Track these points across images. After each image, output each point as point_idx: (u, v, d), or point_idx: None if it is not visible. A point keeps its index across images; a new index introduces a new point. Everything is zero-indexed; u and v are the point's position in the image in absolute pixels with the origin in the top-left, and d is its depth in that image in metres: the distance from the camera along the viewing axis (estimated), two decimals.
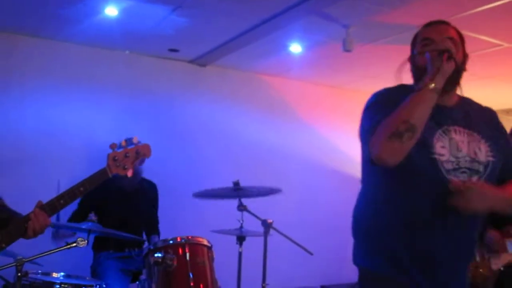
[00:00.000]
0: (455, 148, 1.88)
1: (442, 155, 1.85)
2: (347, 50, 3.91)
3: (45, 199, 2.22)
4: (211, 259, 3.37)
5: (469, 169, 1.87)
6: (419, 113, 1.76)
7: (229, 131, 5.36)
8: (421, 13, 3.60)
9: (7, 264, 2.24)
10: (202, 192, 3.70)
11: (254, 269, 3.80)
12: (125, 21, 4.08)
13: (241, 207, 3.66)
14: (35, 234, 2.19)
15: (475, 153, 1.90)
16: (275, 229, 3.60)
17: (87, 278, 3.54)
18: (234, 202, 3.74)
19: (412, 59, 2.00)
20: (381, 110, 1.86)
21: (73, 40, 4.63)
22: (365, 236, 2.01)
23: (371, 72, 5.04)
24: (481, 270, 3.14)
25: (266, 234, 3.57)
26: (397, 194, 1.89)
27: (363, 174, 2.05)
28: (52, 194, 2.25)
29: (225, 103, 5.41)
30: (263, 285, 3.58)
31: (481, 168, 1.89)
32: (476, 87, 5.47)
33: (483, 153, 1.91)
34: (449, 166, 1.85)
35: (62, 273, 3.31)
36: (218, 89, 5.41)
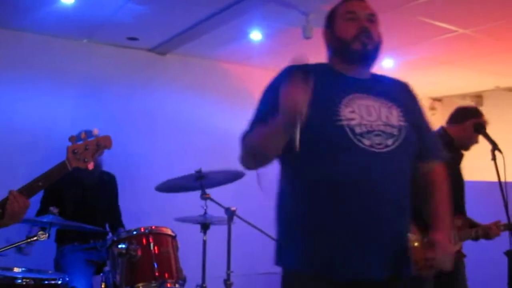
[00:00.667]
0: (365, 112, 1.84)
1: (352, 119, 1.81)
2: (307, 37, 3.93)
3: (4, 193, 2.16)
4: (176, 249, 3.39)
5: (383, 132, 1.83)
6: (275, 147, 1.80)
7: (190, 119, 5.33)
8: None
9: None
10: (165, 184, 3.67)
11: (219, 257, 3.81)
12: (82, 9, 4.00)
13: (205, 196, 3.66)
14: (12, 218, 2.11)
15: (387, 117, 1.87)
16: (238, 216, 3.62)
17: (50, 271, 3.50)
18: (197, 193, 3.74)
19: (330, 32, 1.99)
20: (269, 97, 1.94)
21: (29, 29, 4.51)
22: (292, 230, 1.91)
23: None
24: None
25: (229, 221, 3.59)
26: (314, 173, 1.82)
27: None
28: (13, 188, 2.19)
29: (186, 91, 5.37)
30: (228, 272, 3.61)
31: (395, 132, 1.85)
32: (434, 73, 5.60)
33: (395, 117, 1.89)
34: (362, 129, 1.80)
35: (23, 268, 3.27)
36: (179, 77, 5.37)
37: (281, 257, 1.95)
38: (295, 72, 1.66)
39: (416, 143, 1.92)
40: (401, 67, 5.08)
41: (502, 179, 3.14)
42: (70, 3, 3.84)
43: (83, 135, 2.28)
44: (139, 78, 5.14)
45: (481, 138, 3.40)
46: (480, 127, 3.39)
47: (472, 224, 3.34)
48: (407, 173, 1.89)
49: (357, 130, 1.80)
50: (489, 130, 3.37)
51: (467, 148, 3.46)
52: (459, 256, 3.25)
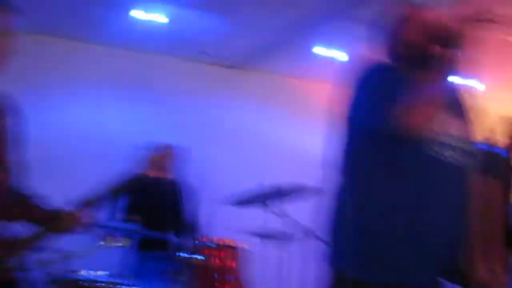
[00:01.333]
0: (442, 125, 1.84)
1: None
2: None
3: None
4: (248, 263, 3.40)
5: (456, 147, 1.84)
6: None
7: (264, 134, 5.40)
8: None
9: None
10: (241, 199, 3.71)
11: (295, 274, 3.79)
12: (172, 26, 4.18)
13: (280, 212, 3.67)
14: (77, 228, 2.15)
15: (453, 129, 1.87)
16: (314, 234, 3.60)
17: (130, 277, 3.62)
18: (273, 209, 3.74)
19: (399, 37, 1.94)
20: (396, 87, 1.78)
21: (124, 46, 4.78)
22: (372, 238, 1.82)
23: None
24: None
25: (305, 239, 3.57)
26: (399, 186, 1.80)
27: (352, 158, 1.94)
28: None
29: (261, 107, 5.44)
30: None
31: (464, 146, 1.86)
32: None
33: (463, 130, 1.90)
34: (439, 140, 1.82)
35: (106, 272, 3.40)
36: (251, 92, 5.45)
37: (350, 264, 1.85)
38: None
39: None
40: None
41: None
42: (164, 22, 4.01)
43: (160, 147, 2.35)
44: (210, 92, 5.27)
45: None
46: None
47: None
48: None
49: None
50: None
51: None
52: None
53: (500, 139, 2.55)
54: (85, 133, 4.65)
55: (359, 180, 1.90)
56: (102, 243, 3.09)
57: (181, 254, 3.47)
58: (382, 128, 1.75)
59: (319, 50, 4.58)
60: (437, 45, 1.85)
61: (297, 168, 5.33)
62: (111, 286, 3.14)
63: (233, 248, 3.38)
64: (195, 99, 5.19)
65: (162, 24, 4.05)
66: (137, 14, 3.97)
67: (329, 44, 4.44)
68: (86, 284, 3.09)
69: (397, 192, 1.80)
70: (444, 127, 1.84)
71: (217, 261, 3.27)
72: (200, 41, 4.55)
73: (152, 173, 2.38)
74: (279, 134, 5.48)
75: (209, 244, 3.36)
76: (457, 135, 1.87)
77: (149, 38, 4.50)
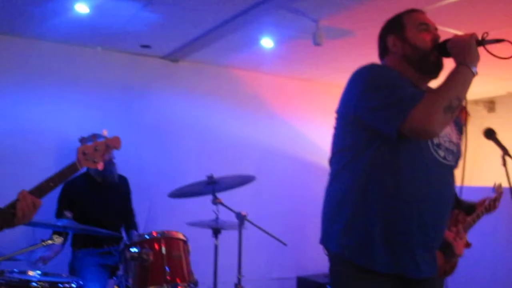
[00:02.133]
0: None
1: None
2: (317, 44, 3.97)
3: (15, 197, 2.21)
4: (187, 253, 3.42)
5: (447, 148, 1.99)
6: (465, 92, 1.89)
7: (202, 126, 5.38)
8: (389, 7, 3.67)
9: None
10: (177, 191, 3.74)
11: (230, 261, 3.86)
12: (97, 18, 4.08)
13: (216, 201, 3.71)
14: (24, 217, 2.14)
15: (450, 134, 2.02)
16: (249, 221, 3.66)
17: (64, 275, 3.55)
18: (209, 198, 3.78)
19: (402, 39, 2.05)
20: (396, 84, 1.91)
21: (43, 38, 4.60)
22: (359, 223, 1.95)
23: (343, 66, 5.11)
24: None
25: (240, 226, 3.62)
26: (400, 171, 1.91)
27: (348, 150, 2.02)
28: None
29: (198, 98, 5.43)
30: (239, 276, 3.64)
31: (455, 149, 2.03)
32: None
33: (454, 134, 2.05)
34: (435, 140, 1.96)
35: (38, 271, 3.32)
36: (191, 84, 5.43)
37: (338, 246, 2.01)
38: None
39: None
40: None
41: None
42: (85, 12, 3.91)
43: (92, 137, 2.33)
44: (152, 85, 5.21)
45: (492, 143, 3.40)
46: (490, 133, 3.39)
47: (468, 209, 3.38)
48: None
49: (434, 140, 1.95)
50: (501, 135, 3.38)
51: None
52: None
53: None
54: (13, 129, 4.48)
55: (359, 171, 1.97)
56: (48, 241, 3.01)
57: (118, 248, 3.44)
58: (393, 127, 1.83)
59: (264, 41, 4.58)
60: (437, 53, 2.00)
61: (238, 159, 5.39)
62: (47, 285, 3.08)
63: (170, 239, 3.37)
64: (135, 92, 5.11)
65: (85, 15, 3.94)
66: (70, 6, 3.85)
67: (274, 35, 4.45)
68: (36, 285, 3.02)
69: (395, 184, 1.91)
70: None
71: (155, 252, 3.24)
72: (138, 33, 4.47)
73: (86, 164, 2.32)
74: (225, 126, 5.50)
75: (146, 236, 3.33)
76: (449, 136, 2.01)
77: (77, 29, 4.38)
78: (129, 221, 4.26)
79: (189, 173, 3.97)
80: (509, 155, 3.25)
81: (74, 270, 3.91)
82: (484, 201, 3.34)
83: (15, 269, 3.22)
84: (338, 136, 2.09)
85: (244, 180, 3.81)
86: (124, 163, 4.24)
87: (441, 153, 1.95)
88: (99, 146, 2.33)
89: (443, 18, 3.90)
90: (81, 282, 3.32)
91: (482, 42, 1.93)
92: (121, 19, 4.12)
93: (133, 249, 3.15)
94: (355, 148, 1.98)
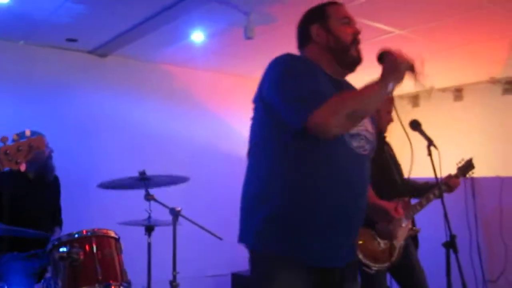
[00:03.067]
0: None
1: None
2: (248, 37, 3.96)
3: None
4: (119, 251, 3.33)
5: (365, 137, 2.00)
6: (374, 108, 1.95)
7: (133, 122, 5.28)
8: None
9: None
10: (107, 183, 3.63)
11: (165, 259, 3.79)
12: (18, 9, 3.89)
13: (149, 197, 3.62)
14: None
15: (366, 124, 2.04)
16: (183, 216, 3.60)
17: None
18: (141, 193, 3.70)
19: (326, 30, 2.05)
20: (309, 79, 1.91)
21: None
22: (281, 214, 1.91)
23: None
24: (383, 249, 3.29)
25: (174, 222, 3.56)
26: (315, 162, 1.89)
27: (264, 141, 2.00)
28: None
29: (127, 94, 5.31)
30: (174, 273, 3.57)
31: (371, 138, 2.04)
32: (371, 75, 5.74)
33: (370, 125, 2.07)
34: (352, 130, 1.94)
35: None
36: (120, 80, 5.31)
37: (258, 239, 1.97)
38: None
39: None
40: None
41: (438, 175, 3.24)
42: (5, 2, 3.72)
43: (15, 137, 2.25)
44: (79, 80, 5.04)
45: (418, 135, 3.51)
46: (416, 124, 3.51)
47: (418, 190, 3.47)
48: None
49: (352, 131, 1.94)
50: (425, 128, 3.50)
51: (385, 127, 3.60)
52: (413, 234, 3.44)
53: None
54: None
55: (275, 162, 1.95)
56: None
57: (46, 249, 3.30)
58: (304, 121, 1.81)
59: (195, 35, 4.52)
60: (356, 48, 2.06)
61: (170, 156, 5.31)
62: None
63: (102, 237, 3.26)
64: (62, 88, 4.94)
65: (5, 5, 3.75)
66: None
67: (204, 28, 4.40)
68: None
69: (308, 174, 1.89)
70: None
71: (85, 251, 3.13)
72: (63, 25, 4.29)
73: (8, 164, 2.22)
74: (156, 122, 5.42)
75: (76, 235, 3.21)
76: (365, 126, 2.02)
77: None
78: (55, 218, 4.10)
79: (120, 170, 3.85)
80: (433, 145, 3.37)
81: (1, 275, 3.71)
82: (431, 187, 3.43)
83: None
84: (254, 127, 2.07)
85: (177, 180, 3.75)
86: (54, 160, 4.08)
87: (355, 143, 1.95)
88: (22, 146, 2.25)
89: (369, 13, 4.01)
90: (5, 287, 3.17)
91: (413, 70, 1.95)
92: (45, 10, 3.95)
93: (62, 249, 3.02)
94: (270, 139, 1.97)
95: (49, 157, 3.96)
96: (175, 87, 5.64)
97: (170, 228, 3.60)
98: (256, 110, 2.07)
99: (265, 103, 1.97)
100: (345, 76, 2.13)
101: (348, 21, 2.08)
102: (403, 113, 3.61)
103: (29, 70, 4.76)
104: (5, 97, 4.58)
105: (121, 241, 3.41)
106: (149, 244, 3.72)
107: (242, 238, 2.05)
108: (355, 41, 2.05)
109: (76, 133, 4.93)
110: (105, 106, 5.16)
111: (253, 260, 2.01)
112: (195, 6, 3.84)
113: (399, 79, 1.88)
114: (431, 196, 3.43)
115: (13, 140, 2.24)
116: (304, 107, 1.82)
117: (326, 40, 2.05)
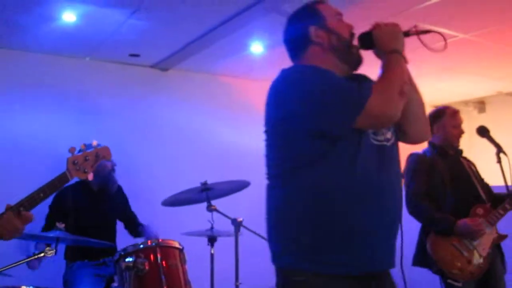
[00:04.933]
0: None
1: None
2: None
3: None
4: (183, 261, 3.37)
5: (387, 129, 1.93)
6: (408, 75, 1.87)
7: (194, 133, 5.34)
8: (379, 6, 3.69)
9: None
10: (171, 199, 3.67)
11: (227, 269, 3.80)
12: (84, 27, 4.04)
13: (211, 207, 3.65)
14: (11, 236, 2.12)
15: None
16: (245, 227, 3.61)
17: None
18: (203, 204, 3.73)
19: (326, 30, 1.93)
20: (338, 81, 1.83)
21: (31, 49, 4.55)
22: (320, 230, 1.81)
23: None
24: (474, 262, 3.17)
25: (236, 233, 3.57)
26: (344, 176, 1.80)
27: (285, 162, 1.95)
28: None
29: (189, 106, 5.40)
30: (236, 284, 3.58)
31: (389, 135, 1.93)
32: (436, 80, 5.61)
33: None
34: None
35: (31, 286, 3.25)
36: (181, 92, 5.40)
37: (298, 259, 1.86)
38: None
39: None
40: None
41: (509, 182, 3.12)
42: (72, 21, 3.87)
43: (82, 147, 2.33)
44: (141, 94, 5.17)
45: (486, 142, 3.38)
46: (484, 131, 3.39)
47: (497, 200, 3.32)
48: None
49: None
50: (493, 135, 3.37)
51: (456, 142, 3.47)
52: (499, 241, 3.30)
53: None
54: (5, 140, 4.43)
55: (309, 181, 1.85)
56: (41, 254, 2.97)
57: (113, 259, 3.38)
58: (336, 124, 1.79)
59: (254, 47, 4.55)
60: (357, 45, 1.94)
61: (231, 165, 5.35)
62: None
63: (166, 248, 3.32)
64: (126, 102, 5.08)
65: (73, 24, 3.90)
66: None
67: (263, 40, 4.43)
68: None
69: (347, 185, 1.80)
70: None
71: (150, 261, 3.18)
72: (126, 41, 4.43)
73: (76, 174, 2.30)
74: (217, 133, 5.48)
75: (141, 245, 3.28)
76: None
77: (64, 39, 4.33)
78: (135, 224, 4.21)
79: (183, 180, 3.90)
80: (503, 152, 3.25)
81: (68, 283, 3.83)
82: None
83: (8, 284, 3.15)
84: (274, 152, 2.04)
85: (238, 186, 3.76)
86: (117, 171, 4.19)
87: (380, 137, 1.89)
88: (89, 156, 2.33)
89: (432, 17, 3.92)
90: None
91: (408, 33, 1.90)
92: (109, 27, 4.08)
93: (128, 259, 3.09)
94: (299, 159, 1.87)
95: (112, 170, 4.08)
96: (234, 98, 5.68)
97: (233, 238, 3.61)
98: (271, 136, 2.05)
99: (288, 125, 1.88)
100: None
101: (341, 17, 1.98)
102: (468, 119, 3.50)
103: (95, 85, 4.92)
104: (72, 111, 4.75)
105: (185, 251, 3.45)
106: (211, 255, 3.75)
107: (279, 260, 1.96)
108: (352, 36, 1.95)
109: (139, 144, 5.04)
110: (167, 118, 5.25)
111: (290, 281, 1.90)
112: (254, 18, 3.87)
113: (402, 43, 1.86)
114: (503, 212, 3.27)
115: (80, 150, 2.32)
116: (354, 105, 1.75)
117: (328, 40, 1.92)
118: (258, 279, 5.21)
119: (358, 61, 1.96)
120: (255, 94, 5.82)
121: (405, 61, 1.85)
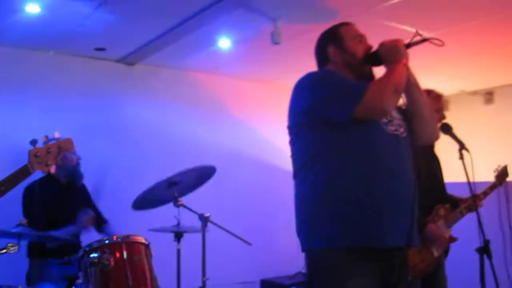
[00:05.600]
0: None
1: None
2: (275, 42, 3.96)
3: None
4: (150, 257, 3.34)
5: (397, 124, 2.22)
6: (404, 82, 2.16)
7: (160, 130, 5.31)
8: (346, 3, 3.72)
9: None
10: (139, 201, 3.61)
11: (194, 265, 3.78)
12: (48, 19, 3.96)
13: (178, 203, 3.62)
14: None
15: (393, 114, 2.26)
16: (212, 222, 3.59)
17: (20, 287, 3.41)
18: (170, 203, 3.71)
19: (341, 49, 2.28)
20: (342, 79, 2.18)
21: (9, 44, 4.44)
22: (337, 211, 2.06)
23: (301, 66, 5.07)
24: (423, 257, 3.23)
25: (203, 228, 3.55)
26: (360, 157, 2.08)
27: (311, 152, 2.16)
28: None
29: (155, 102, 5.35)
30: (203, 279, 3.56)
31: (402, 124, 2.25)
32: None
33: (396, 113, 2.29)
34: (385, 119, 2.18)
35: None
36: (148, 88, 5.35)
37: (324, 237, 2.08)
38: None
39: None
40: None
41: (471, 179, 3.18)
42: (35, 12, 3.78)
43: (44, 139, 2.31)
44: (107, 89, 5.10)
45: (448, 139, 3.44)
46: (447, 128, 3.44)
47: (454, 203, 3.40)
48: None
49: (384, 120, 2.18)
50: (498, 126, 3.45)
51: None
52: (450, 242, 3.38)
53: None
54: None
55: (324, 165, 2.12)
56: (3, 250, 2.89)
57: (77, 257, 3.33)
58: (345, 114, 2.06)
59: (222, 42, 4.54)
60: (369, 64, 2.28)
61: (199, 161, 5.32)
62: None
63: (132, 243, 3.28)
64: (91, 96, 5.00)
65: (36, 16, 3.81)
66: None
67: (231, 35, 4.41)
68: None
69: (358, 164, 2.08)
70: None
71: (115, 257, 3.14)
72: (92, 35, 4.35)
73: (39, 167, 2.26)
74: (183, 129, 5.47)
75: (106, 241, 3.23)
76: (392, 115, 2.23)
77: (27, 32, 4.24)
78: (100, 220, 4.16)
79: (148, 176, 3.87)
80: (466, 148, 3.31)
81: (31, 281, 3.76)
82: (468, 199, 3.36)
83: None
84: (295, 146, 2.26)
85: (204, 173, 3.74)
86: (82, 167, 4.13)
87: (392, 127, 2.18)
88: (51, 148, 2.30)
89: (400, 16, 3.97)
90: None
91: (409, 45, 2.22)
92: (74, 20, 4.01)
93: (93, 255, 3.04)
94: (315, 147, 2.15)
95: (77, 164, 4.02)
96: (202, 94, 5.67)
97: (199, 234, 3.60)
98: (293, 132, 2.27)
99: (302, 117, 2.20)
100: None
101: (360, 38, 2.30)
102: (475, 109, 3.57)
103: (59, 79, 4.83)
104: (35, 106, 4.66)
105: (152, 247, 3.42)
106: (178, 251, 3.73)
107: (308, 244, 2.15)
108: (366, 58, 2.27)
109: (104, 140, 4.97)
110: (133, 114, 5.20)
111: (317, 260, 2.13)
112: (222, 13, 3.86)
113: (405, 55, 2.18)
114: (471, 207, 3.34)
115: (43, 143, 2.28)
116: (353, 96, 2.06)
117: (342, 59, 2.27)
118: (224, 275, 5.24)
119: (370, 77, 2.25)
120: (223, 89, 5.84)
121: (408, 69, 2.18)
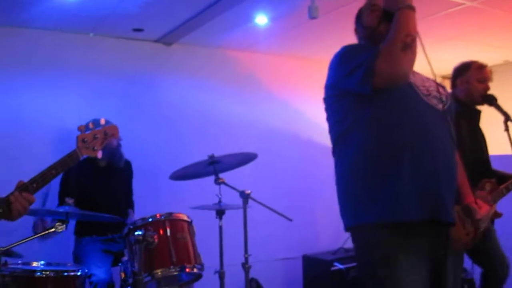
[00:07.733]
0: (419, 78, 2.21)
1: (414, 80, 2.16)
2: (312, 17, 3.89)
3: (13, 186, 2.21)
4: (193, 234, 3.39)
5: (435, 97, 2.16)
6: (414, 26, 2.00)
7: (199, 108, 5.33)
8: None
9: None
10: (179, 173, 3.69)
11: (236, 242, 3.83)
12: (87, 1, 4.00)
13: (218, 181, 3.66)
14: (20, 215, 2.20)
15: (430, 85, 2.22)
16: (253, 199, 3.62)
17: (69, 264, 3.53)
18: (211, 178, 3.75)
19: (360, 26, 2.33)
20: (364, 50, 2.10)
21: (32, 25, 4.50)
22: (384, 181, 2.01)
23: (338, 41, 5.02)
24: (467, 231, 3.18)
25: (244, 205, 3.59)
26: (398, 125, 2.03)
27: (346, 124, 2.13)
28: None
29: (193, 80, 5.37)
30: (246, 255, 3.61)
31: (443, 98, 2.18)
32: (441, 49, 5.55)
33: (433, 85, 2.23)
34: (423, 91, 2.14)
35: (42, 262, 3.30)
36: (186, 67, 5.36)
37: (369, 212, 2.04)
38: None
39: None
40: None
41: None
42: None
43: (91, 125, 2.40)
44: (145, 69, 5.14)
45: (493, 110, 3.35)
46: (491, 99, 3.36)
47: (501, 179, 3.32)
48: None
49: (421, 90, 2.15)
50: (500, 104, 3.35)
51: (477, 99, 3.44)
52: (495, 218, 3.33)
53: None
54: (10, 119, 4.42)
55: (360, 139, 2.08)
56: (51, 229, 3.00)
57: (122, 234, 3.41)
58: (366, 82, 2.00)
59: (259, 18, 4.51)
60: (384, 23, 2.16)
61: (238, 139, 5.36)
62: (52, 274, 3.06)
63: (175, 221, 3.34)
64: (130, 77, 5.05)
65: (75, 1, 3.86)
66: None
67: (268, 11, 4.38)
68: (40, 274, 3.01)
69: (405, 138, 2.03)
70: (419, 81, 2.18)
71: (159, 235, 3.21)
72: (129, 16, 4.38)
73: (86, 152, 2.34)
74: (222, 107, 5.48)
75: (150, 219, 3.30)
76: (430, 86, 2.19)
77: (67, 15, 4.30)
78: (128, 201, 4.24)
79: (190, 154, 3.92)
80: (511, 120, 3.21)
81: (78, 258, 3.88)
82: None
83: (18, 260, 3.19)
84: (330, 119, 2.26)
85: (246, 158, 3.77)
86: (124, 148, 4.20)
87: (433, 101, 2.13)
88: (98, 134, 2.40)
89: None
90: (86, 270, 3.30)
91: None
92: (112, 1, 4.04)
93: (137, 233, 3.10)
94: (351, 119, 2.12)
95: (118, 145, 4.10)
96: (239, 72, 5.65)
97: (241, 211, 3.63)
98: (328, 104, 2.26)
99: (335, 89, 2.19)
100: None
101: (372, 8, 2.23)
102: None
103: (99, 61, 4.89)
104: (77, 89, 4.73)
105: (194, 224, 3.47)
106: (220, 228, 3.77)
107: (354, 219, 2.11)
108: (381, 19, 2.20)
109: (146, 120, 5.04)
110: (172, 93, 5.24)
111: (365, 236, 2.09)
112: None
113: None
114: (505, 192, 3.27)
115: (90, 129, 2.37)
116: (366, 69, 1.98)
117: (364, 35, 2.32)
118: (266, 251, 5.29)
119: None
120: (260, 67, 5.81)
121: (413, 9, 2.02)
